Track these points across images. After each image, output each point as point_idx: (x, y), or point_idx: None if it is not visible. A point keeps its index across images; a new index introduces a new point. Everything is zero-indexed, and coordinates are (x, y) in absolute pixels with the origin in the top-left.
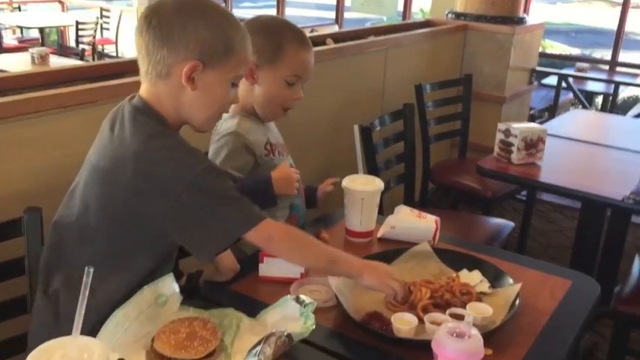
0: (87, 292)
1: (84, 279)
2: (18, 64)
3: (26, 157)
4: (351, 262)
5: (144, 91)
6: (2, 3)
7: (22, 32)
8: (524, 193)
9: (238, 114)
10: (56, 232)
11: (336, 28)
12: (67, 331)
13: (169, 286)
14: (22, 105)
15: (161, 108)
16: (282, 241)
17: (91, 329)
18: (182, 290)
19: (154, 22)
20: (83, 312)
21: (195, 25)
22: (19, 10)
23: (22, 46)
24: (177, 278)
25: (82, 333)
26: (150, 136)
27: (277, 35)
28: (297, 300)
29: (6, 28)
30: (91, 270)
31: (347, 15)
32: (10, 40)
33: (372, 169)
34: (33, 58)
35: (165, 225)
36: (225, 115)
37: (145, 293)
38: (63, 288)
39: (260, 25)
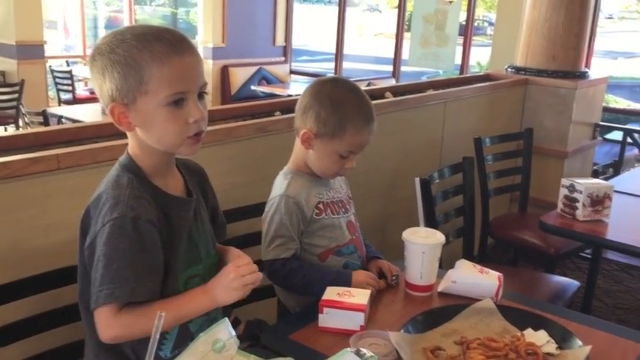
0: (157, 336)
1: (155, 322)
2: (89, 114)
3: None
4: (197, 298)
5: None
6: (77, 57)
7: None
8: (587, 251)
9: (292, 172)
10: None
11: (393, 82)
12: None
13: (225, 330)
14: (98, 153)
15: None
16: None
17: None
18: (242, 338)
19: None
20: (153, 353)
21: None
22: None
23: (94, 97)
24: (235, 326)
25: None
26: (106, 182)
27: (342, 113)
28: (358, 353)
29: (79, 80)
30: (162, 314)
31: (403, 68)
32: (82, 91)
33: (430, 222)
34: (103, 108)
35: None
36: (281, 173)
37: (199, 341)
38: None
39: (329, 94)
